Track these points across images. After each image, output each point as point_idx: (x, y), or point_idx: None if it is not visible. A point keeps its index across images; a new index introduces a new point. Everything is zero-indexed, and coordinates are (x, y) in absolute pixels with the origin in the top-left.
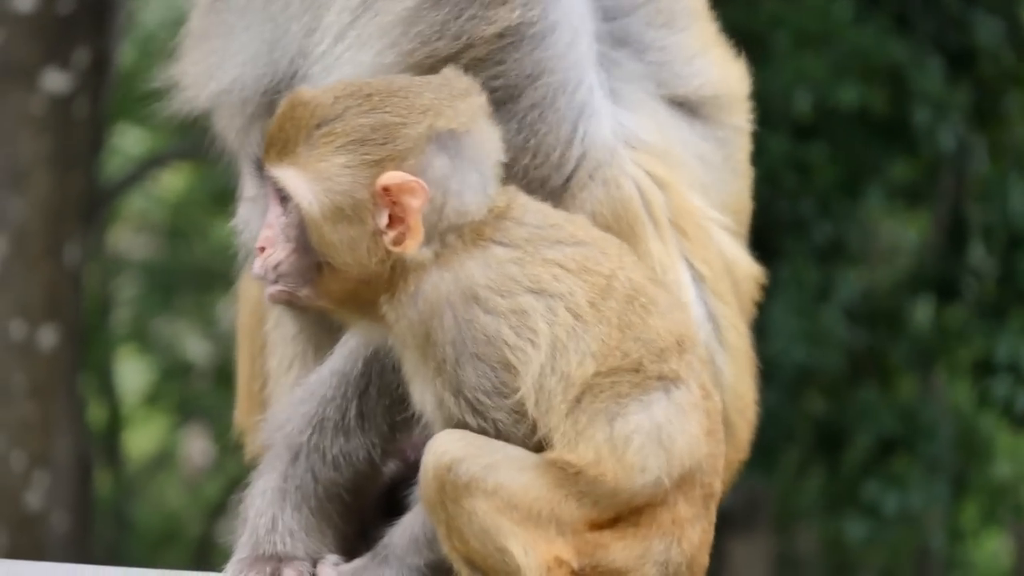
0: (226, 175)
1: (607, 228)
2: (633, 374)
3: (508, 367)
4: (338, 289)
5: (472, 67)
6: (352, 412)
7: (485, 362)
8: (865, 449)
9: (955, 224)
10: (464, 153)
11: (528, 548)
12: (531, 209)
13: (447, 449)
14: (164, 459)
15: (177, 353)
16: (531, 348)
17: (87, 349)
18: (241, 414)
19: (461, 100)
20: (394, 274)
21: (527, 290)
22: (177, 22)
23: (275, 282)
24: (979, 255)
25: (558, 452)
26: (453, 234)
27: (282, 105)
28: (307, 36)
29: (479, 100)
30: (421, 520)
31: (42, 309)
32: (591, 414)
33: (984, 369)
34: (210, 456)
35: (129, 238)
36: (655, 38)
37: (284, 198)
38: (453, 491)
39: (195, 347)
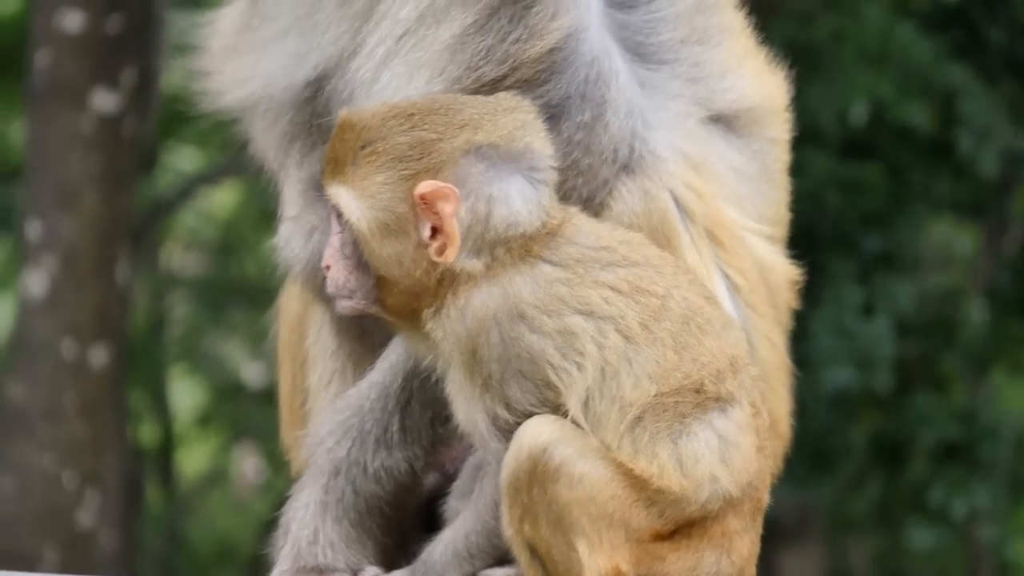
0: (275, 192)
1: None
2: (695, 395)
3: (551, 386)
4: (395, 303)
5: (519, 89)
6: (395, 426)
7: (529, 379)
8: (927, 456)
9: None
10: (508, 164)
11: (594, 549)
12: (584, 229)
13: (543, 431)
14: (217, 477)
15: (229, 370)
16: (576, 371)
17: (138, 368)
18: (284, 430)
19: (505, 115)
20: (442, 287)
21: (575, 311)
22: None
23: (347, 298)
24: None
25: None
26: (502, 247)
27: (336, 127)
28: (349, 59)
29: (527, 116)
30: (463, 535)
31: (92, 328)
32: (652, 432)
33: None
34: (262, 474)
35: (180, 256)
36: (689, 55)
37: (340, 216)
38: (543, 474)
39: (246, 364)
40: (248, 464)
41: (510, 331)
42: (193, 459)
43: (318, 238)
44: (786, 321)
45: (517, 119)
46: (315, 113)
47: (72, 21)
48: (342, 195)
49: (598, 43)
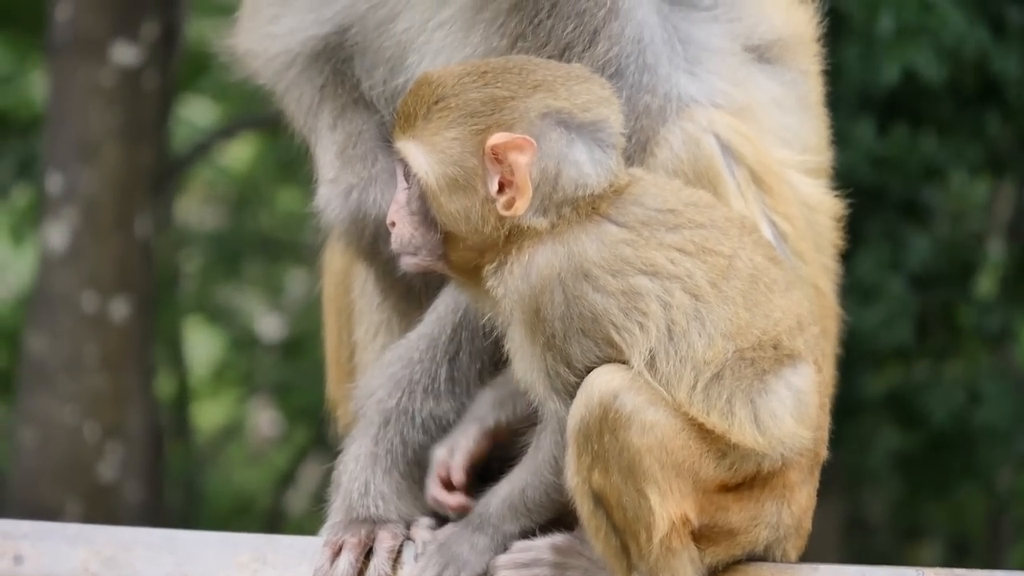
0: (292, 146)
1: (689, 185)
2: (773, 351)
3: (613, 345)
4: (460, 260)
5: (583, 48)
6: (443, 376)
7: (590, 338)
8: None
9: None
10: (580, 130)
11: (665, 497)
12: (651, 191)
13: (614, 378)
14: (233, 430)
15: (244, 323)
16: (639, 331)
17: (157, 321)
18: (331, 384)
19: (579, 83)
20: (508, 243)
21: (640, 272)
22: None
23: (412, 255)
24: None
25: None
26: (569, 206)
27: (412, 84)
28: (390, 19)
29: (603, 91)
30: (520, 489)
31: (113, 281)
32: (731, 390)
33: None
34: (278, 427)
35: (197, 209)
36: None
37: (407, 172)
38: (615, 421)
39: (262, 318)
40: (264, 417)
41: (573, 289)
42: (209, 412)
43: (357, 196)
44: (833, 265)
45: (592, 90)
46: (342, 76)
47: None
48: (411, 150)
49: None
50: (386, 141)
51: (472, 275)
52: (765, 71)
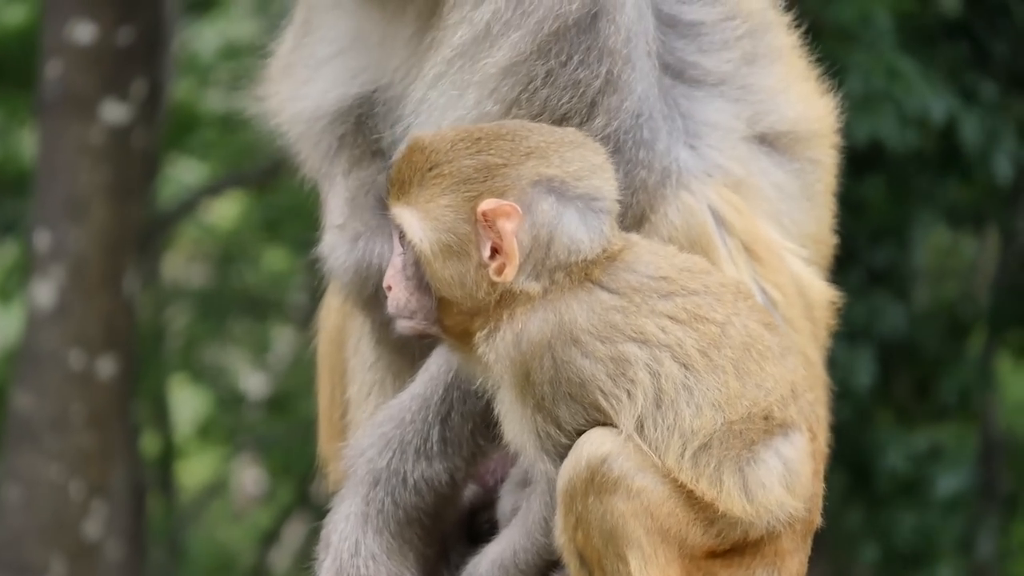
0: (278, 204)
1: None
2: (764, 421)
3: (600, 410)
4: (454, 324)
5: (582, 118)
6: (434, 437)
7: (578, 403)
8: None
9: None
10: (572, 198)
11: (648, 563)
12: (644, 257)
13: (604, 442)
14: (217, 488)
15: (230, 382)
16: (626, 398)
17: (139, 378)
18: (323, 442)
19: (572, 150)
20: (500, 308)
21: (629, 339)
22: (229, 52)
23: (408, 319)
24: None
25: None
26: (562, 272)
27: (403, 149)
28: (402, 79)
29: (597, 157)
30: (511, 551)
31: (100, 339)
32: (719, 459)
33: None
34: (263, 485)
35: (182, 267)
36: (736, 77)
37: (402, 237)
38: (601, 484)
39: (247, 376)
40: (248, 475)
41: (562, 355)
42: (194, 470)
43: (363, 245)
44: (823, 337)
45: (586, 157)
46: (364, 128)
47: (83, 32)
48: (406, 216)
49: (646, 65)
50: None
51: (464, 339)
52: (770, 156)
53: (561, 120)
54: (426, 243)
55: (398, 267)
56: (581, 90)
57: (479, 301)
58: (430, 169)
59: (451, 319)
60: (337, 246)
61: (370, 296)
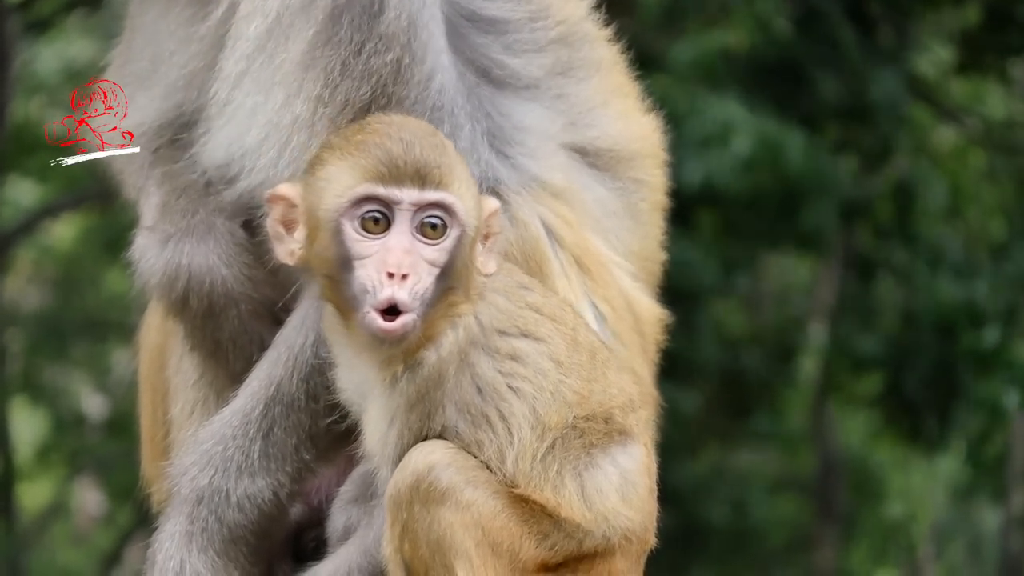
0: (117, 225)
1: (517, 266)
2: (604, 424)
3: (501, 415)
4: (435, 317)
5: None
6: (256, 453)
7: (472, 406)
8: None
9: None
10: None
11: (476, 575)
12: (499, 274)
13: (434, 451)
14: (58, 510)
15: (70, 404)
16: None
17: None
18: (146, 462)
19: None
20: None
21: (521, 334)
22: (69, 73)
23: (412, 311)
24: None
25: (526, 491)
26: None
27: (404, 136)
28: (205, 83)
29: None
30: (346, 567)
31: None
32: (561, 461)
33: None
34: (103, 507)
35: (22, 289)
36: (551, 85)
37: (435, 224)
38: (427, 493)
39: (88, 398)
40: (89, 497)
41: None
42: (34, 492)
43: (173, 246)
44: (653, 353)
45: None
46: (179, 141)
47: None
48: (452, 200)
49: (444, 59)
50: (210, 197)
51: (422, 343)
52: (592, 172)
53: (365, 114)
54: (472, 223)
55: (431, 257)
56: (375, 79)
57: (473, 291)
58: (447, 148)
59: (440, 313)
60: (147, 248)
61: (179, 298)
